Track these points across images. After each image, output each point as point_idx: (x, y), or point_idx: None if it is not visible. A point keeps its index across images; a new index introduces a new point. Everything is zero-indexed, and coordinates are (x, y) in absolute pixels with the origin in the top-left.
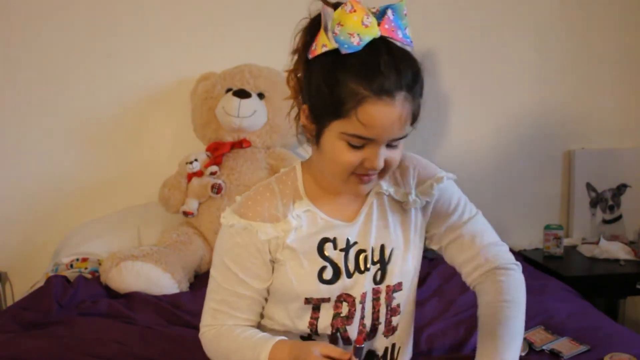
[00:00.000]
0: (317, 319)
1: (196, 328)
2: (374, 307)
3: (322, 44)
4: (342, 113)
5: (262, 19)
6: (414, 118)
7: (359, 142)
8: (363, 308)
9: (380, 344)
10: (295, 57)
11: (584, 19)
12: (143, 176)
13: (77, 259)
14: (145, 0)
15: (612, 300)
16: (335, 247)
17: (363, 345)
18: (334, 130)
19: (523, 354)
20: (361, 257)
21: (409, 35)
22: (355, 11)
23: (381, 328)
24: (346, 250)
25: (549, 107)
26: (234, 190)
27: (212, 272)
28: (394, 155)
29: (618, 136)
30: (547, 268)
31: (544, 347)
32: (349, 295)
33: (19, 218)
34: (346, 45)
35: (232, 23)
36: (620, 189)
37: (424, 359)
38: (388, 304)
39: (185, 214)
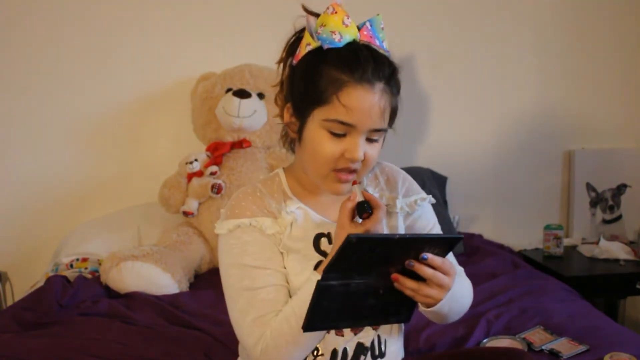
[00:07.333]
0: None
1: (196, 328)
2: None
3: (307, 44)
4: (324, 99)
5: (262, 19)
6: (392, 116)
7: (341, 129)
8: None
9: (367, 335)
10: (280, 70)
11: (584, 19)
12: (143, 176)
13: (77, 259)
14: (146, 0)
15: (612, 300)
16: (330, 242)
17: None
18: (316, 120)
19: None
20: None
21: (387, 48)
22: (336, 12)
23: None
24: None
25: (549, 107)
26: (234, 190)
27: (235, 285)
28: (373, 151)
29: (618, 136)
30: (547, 268)
31: (543, 347)
32: None
33: (19, 218)
34: (328, 41)
35: (232, 23)
36: (620, 189)
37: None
38: None
39: (185, 214)
